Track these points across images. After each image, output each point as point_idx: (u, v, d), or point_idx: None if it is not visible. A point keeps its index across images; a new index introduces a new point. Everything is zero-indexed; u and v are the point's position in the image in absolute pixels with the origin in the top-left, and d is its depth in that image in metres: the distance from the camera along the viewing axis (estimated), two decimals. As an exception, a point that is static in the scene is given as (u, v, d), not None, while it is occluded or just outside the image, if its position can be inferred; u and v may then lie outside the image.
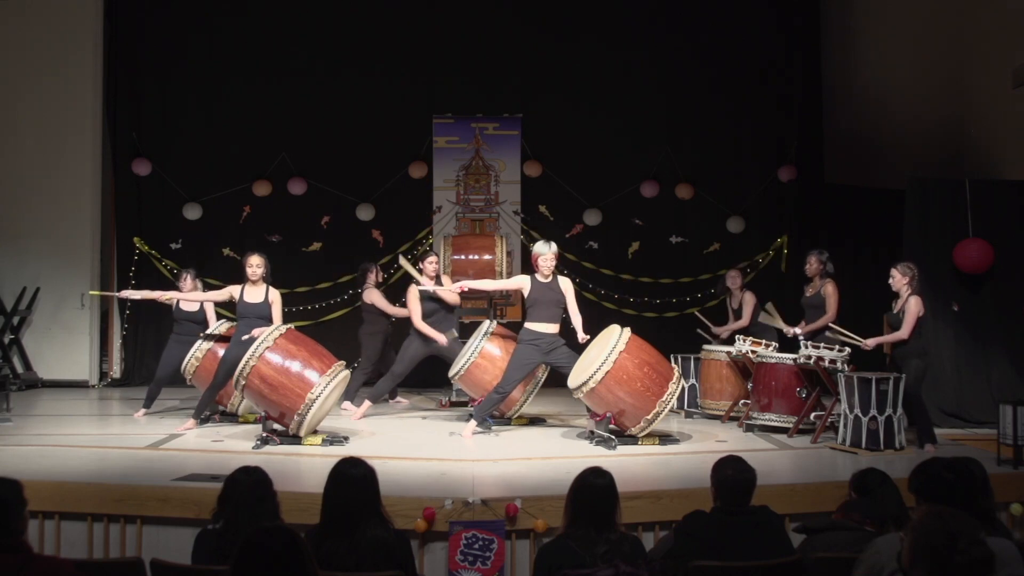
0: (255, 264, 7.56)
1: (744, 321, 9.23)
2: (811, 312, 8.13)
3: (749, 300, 9.30)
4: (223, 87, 11.46)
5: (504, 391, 7.48)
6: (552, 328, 7.46)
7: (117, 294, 9.51)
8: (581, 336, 7.36)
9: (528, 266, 7.70)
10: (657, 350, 7.33)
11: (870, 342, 7.35)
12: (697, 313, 9.89)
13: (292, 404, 6.85)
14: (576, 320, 7.43)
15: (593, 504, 3.82)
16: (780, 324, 8.41)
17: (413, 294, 8.55)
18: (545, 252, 7.46)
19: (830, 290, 8.00)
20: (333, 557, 3.61)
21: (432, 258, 8.76)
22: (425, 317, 8.52)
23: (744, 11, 11.68)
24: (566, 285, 7.53)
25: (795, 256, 10.75)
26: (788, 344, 8.33)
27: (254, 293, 7.56)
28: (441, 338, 8.41)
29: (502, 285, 8.23)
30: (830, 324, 7.66)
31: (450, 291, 8.50)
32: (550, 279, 7.49)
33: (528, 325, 7.48)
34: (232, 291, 7.66)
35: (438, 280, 8.65)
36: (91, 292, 10.81)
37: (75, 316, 11.05)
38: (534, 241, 8.62)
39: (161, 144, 11.50)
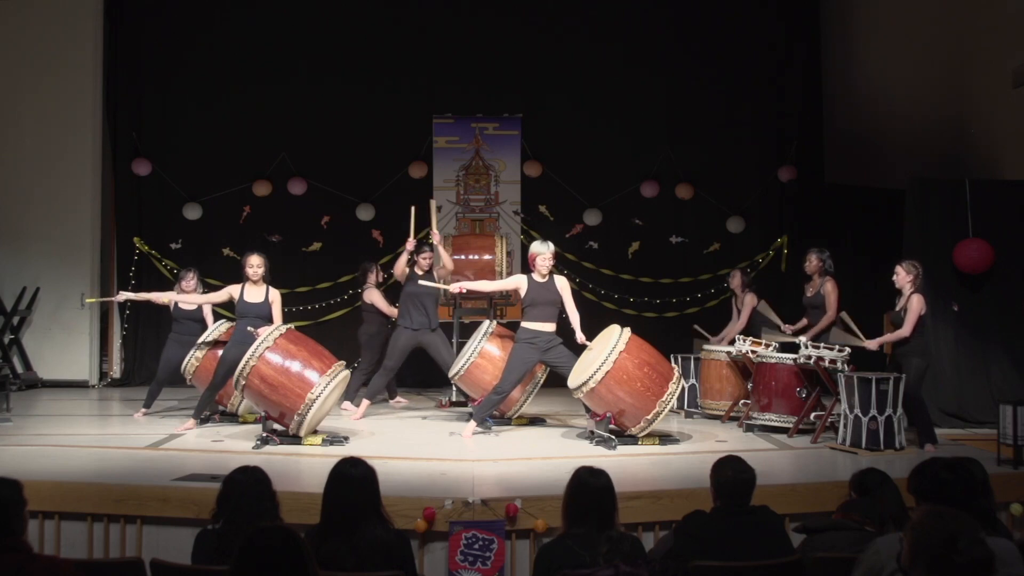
0: (255, 264, 7.56)
1: (740, 324, 9.18)
2: (813, 312, 8.11)
3: (749, 302, 9.23)
4: (223, 87, 11.46)
5: (503, 391, 7.48)
6: (549, 327, 7.45)
7: (114, 298, 9.45)
8: (579, 336, 7.35)
9: (528, 266, 7.69)
10: (657, 350, 7.32)
11: (873, 344, 7.35)
12: (696, 329, 9.71)
13: (292, 404, 6.84)
14: (574, 320, 7.42)
15: (592, 503, 3.81)
16: (777, 322, 8.40)
17: (401, 266, 8.71)
18: (543, 252, 7.45)
19: (830, 288, 7.98)
20: (333, 557, 3.60)
21: (427, 252, 8.76)
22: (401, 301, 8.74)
23: (744, 11, 11.68)
24: (563, 285, 7.52)
25: (795, 256, 10.73)
26: (788, 344, 8.32)
27: (254, 293, 7.56)
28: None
29: (499, 286, 8.20)
30: (841, 315, 7.63)
31: (447, 288, 8.49)
32: (547, 279, 7.48)
33: (525, 324, 7.47)
34: (231, 291, 7.65)
35: (429, 274, 8.64)
36: (88, 299, 10.73)
37: (75, 316, 11.05)
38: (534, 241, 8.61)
39: (161, 144, 11.50)
